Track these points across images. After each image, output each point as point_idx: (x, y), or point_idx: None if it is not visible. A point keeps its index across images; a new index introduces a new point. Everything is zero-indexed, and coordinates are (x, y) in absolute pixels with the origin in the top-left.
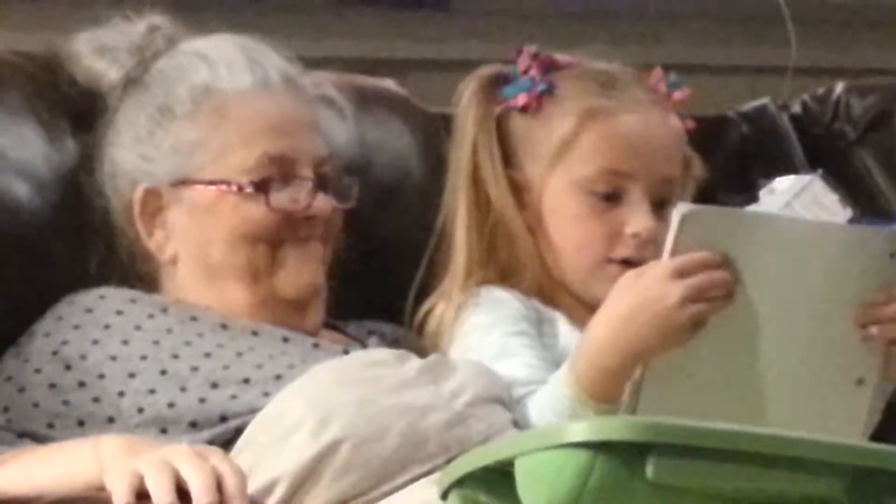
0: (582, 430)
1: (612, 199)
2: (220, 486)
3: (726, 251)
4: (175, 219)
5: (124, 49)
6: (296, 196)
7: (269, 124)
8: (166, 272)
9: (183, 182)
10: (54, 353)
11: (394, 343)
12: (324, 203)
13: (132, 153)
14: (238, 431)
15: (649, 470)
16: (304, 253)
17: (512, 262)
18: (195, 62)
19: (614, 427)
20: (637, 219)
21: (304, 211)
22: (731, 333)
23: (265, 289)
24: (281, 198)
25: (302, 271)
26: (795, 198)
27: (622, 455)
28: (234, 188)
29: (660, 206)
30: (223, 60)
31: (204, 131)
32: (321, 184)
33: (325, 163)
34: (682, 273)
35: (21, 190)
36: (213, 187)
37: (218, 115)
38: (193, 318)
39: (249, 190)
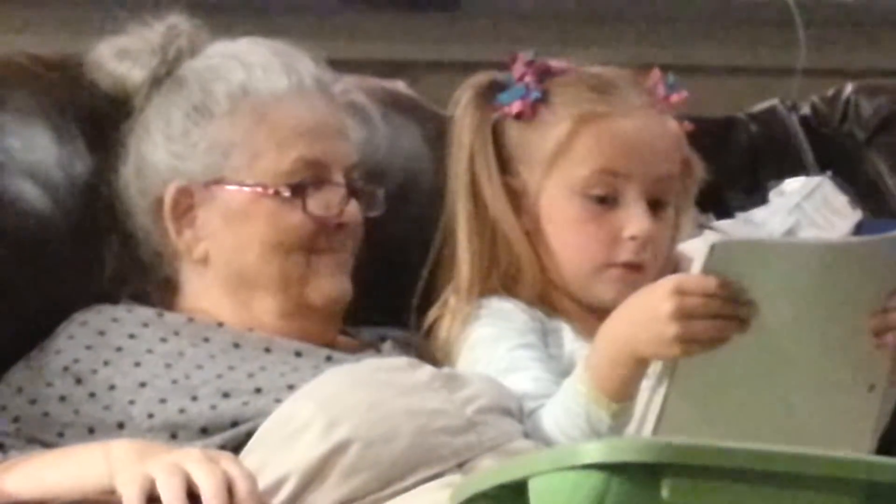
0: (597, 451)
1: (609, 202)
2: (231, 490)
3: (749, 278)
4: (206, 218)
5: (146, 50)
6: (329, 202)
7: (304, 128)
8: (191, 275)
9: (217, 182)
10: (65, 368)
11: (407, 347)
12: (355, 210)
13: (164, 151)
14: (249, 436)
15: (664, 491)
16: (335, 264)
17: (513, 270)
18: (231, 64)
19: (629, 448)
20: (634, 221)
21: (337, 217)
22: (752, 348)
23: (294, 298)
24: (316, 203)
25: (333, 282)
26: (805, 199)
27: (637, 476)
28: (271, 192)
29: (656, 206)
30: (259, 63)
31: (241, 133)
32: (351, 191)
33: (355, 170)
34: (682, 291)
35: (32, 192)
36: (248, 189)
37: (255, 117)
38: (206, 340)
39: (287, 194)
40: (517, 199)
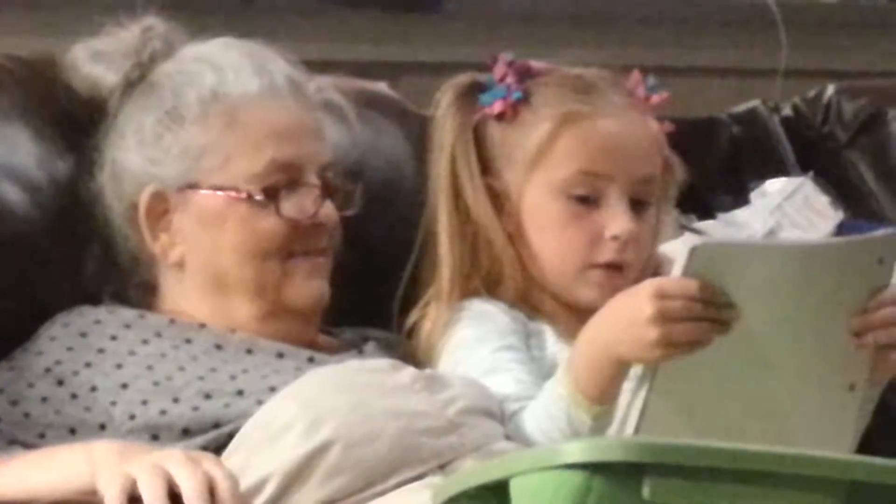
0: (578, 451)
1: (590, 202)
2: (212, 491)
3: (730, 281)
4: (181, 223)
5: (120, 53)
6: (303, 203)
7: (276, 130)
8: (168, 278)
9: (191, 186)
10: (47, 370)
11: (389, 348)
12: (330, 210)
13: (138, 156)
14: (231, 437)
15: (646, 490)
16: (311, 267)
17: (494, 271)
18: (202, 67)
19: (611, 448)
20: (616, 221)
21: (312, 218)
22: (733, 349)
23: (271, 302)
24: (289, 205)
25: (310, 285)
26: (786, 200)
27: (619, 476)
28: (244, 195)
29: (638, 207)
30: (230, 66)
31: (213, 136)
32: (326, 191)
33: (329, 169)
34: (663, 295)
35: (13, 195)
36: (221, 193)
37: (226, 120)
38: (188, 341)
39: (259, 198)
40: (499, 200)
